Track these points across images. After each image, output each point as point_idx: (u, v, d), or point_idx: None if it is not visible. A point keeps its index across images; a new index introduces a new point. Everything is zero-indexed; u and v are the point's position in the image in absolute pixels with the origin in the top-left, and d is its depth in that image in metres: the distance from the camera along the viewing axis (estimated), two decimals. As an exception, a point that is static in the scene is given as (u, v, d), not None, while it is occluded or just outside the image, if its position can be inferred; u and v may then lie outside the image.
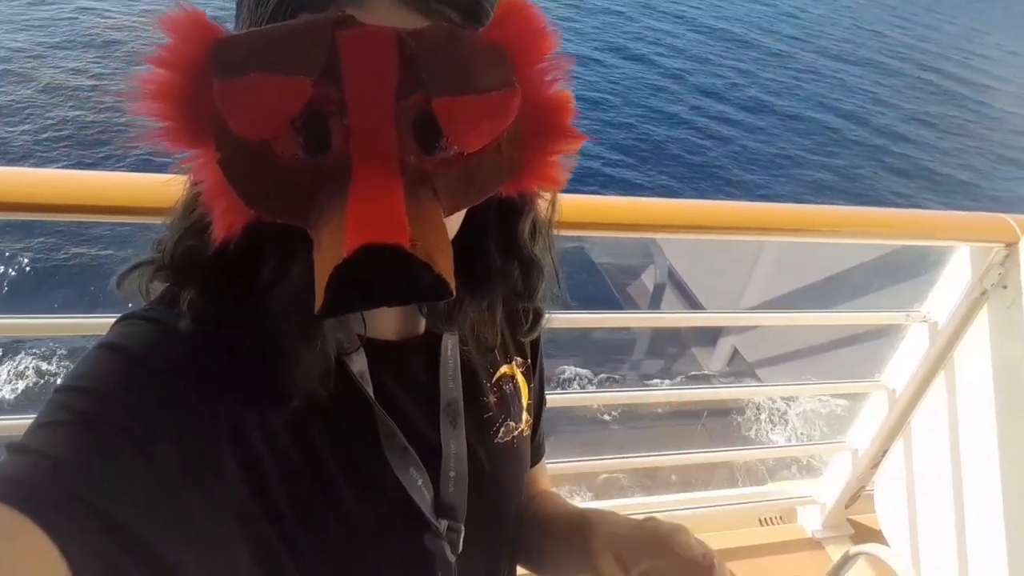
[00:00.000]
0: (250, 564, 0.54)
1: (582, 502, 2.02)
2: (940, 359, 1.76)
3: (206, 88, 0.41)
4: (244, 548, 0.53)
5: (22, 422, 1.19)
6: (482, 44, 0.44)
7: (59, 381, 0.49)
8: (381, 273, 0.38)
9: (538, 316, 0.72)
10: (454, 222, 0.53)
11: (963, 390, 1.71)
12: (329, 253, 0.39)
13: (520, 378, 0.76)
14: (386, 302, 0.41)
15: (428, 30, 0.42)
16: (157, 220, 0.98)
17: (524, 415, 0.76)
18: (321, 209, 0.43)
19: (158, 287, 0.56)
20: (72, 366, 0.50)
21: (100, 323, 1.13)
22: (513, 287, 0.63)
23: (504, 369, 0.74)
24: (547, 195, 0.63)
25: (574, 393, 1.71)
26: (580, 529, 0.66)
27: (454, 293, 0.40)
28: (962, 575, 1.68)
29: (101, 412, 0.47)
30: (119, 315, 0.56)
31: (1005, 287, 1.60)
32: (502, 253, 0.60)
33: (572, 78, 0.48)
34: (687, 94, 16.93)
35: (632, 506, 2.02)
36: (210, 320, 0.52)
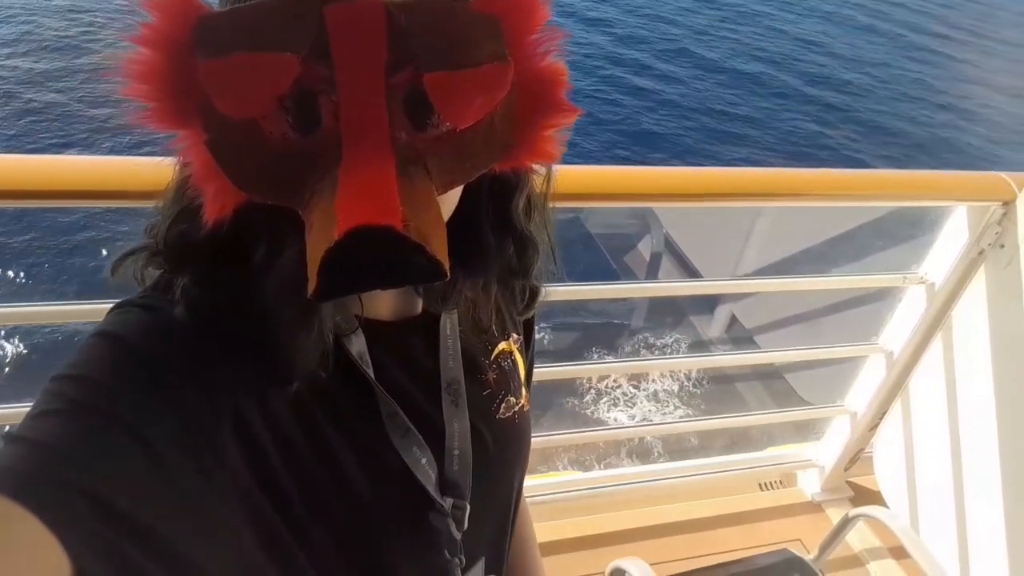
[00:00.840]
0: (256, 548, 0.54)
1: (584, 472, 2.04)
2: (938, 320, 1.76)
3: (191, 67, 0.40)
4: (250, 532, 0.53)
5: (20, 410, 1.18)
6: (474, 16, 0.42)
7: (55, 370, 0.48)
8: (373, 256, 0.37)
9: (535, 294, 0.71)
10: (450, 200, 0.52)
11: (961, 350, 1.71)
12: (320, 236, 0.38)
13: (517, 354, 0.76)
14: (379, 285, 0.40)
15: (418, 2, 0.41)
16: (135, 204, 0.98)
17: (523, 390, 0.76)
18: (312, 189, 0.42)
19: (153, 273, 0.56)
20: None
21: (96, 309, 1.13)
22: (508, 265, 0.62)
23: (502, 346, 0.73)
24: (542, 169, 0.62)
25: (572, 365, 1.72)
26: None
27: (448, 275, 0.40)
28: (960, 534, 1.70)
29: (96, 400, 0.46)
30: (114, 302, 0.55)
31: (1003, 246, 1.60)
32: (496, 231, 0.59)
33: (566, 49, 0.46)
34: (610, 46, 15.99)
35: (635, 475, 2.03)
36: (205, 306, 0.51)
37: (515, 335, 0.76)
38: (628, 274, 8.48)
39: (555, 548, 1.85)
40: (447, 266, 0.39)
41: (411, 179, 0.42)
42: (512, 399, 0.73)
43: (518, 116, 0.46)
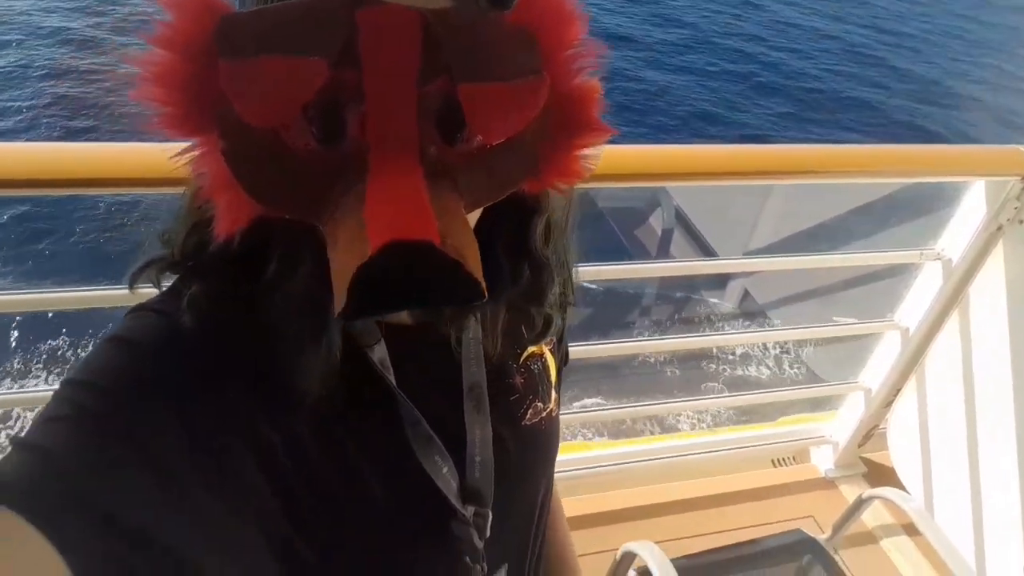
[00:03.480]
0: (270, 560, 0.53)
1: (596, 445, 2.04)
2: (954, 297, 1.74)
3: (210, 71, 0.38)
4: (264, 543, 0.52)
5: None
6: (510, 28, 0.40)
7: (67, 374, 0.48)
8: (411, 273, 0.35)
9: (549, 322, 0.68)
10: (471, 219, 0.49)
11: (977, 327, 1.70)
12: (349, 252, 0.36)
13: (549, 356, 0.74)
14: (417, 304, 0.37)
15: (454, 11, 0.38)
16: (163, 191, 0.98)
17: (553, 394, 0.73)
18: (336, 204, 0.40)
19: (171, 278, 0.55)
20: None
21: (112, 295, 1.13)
22: (523, 290, 0.60)
23: (532, 348, 0.71)
24: (564, 195, 0.59)
25: (584, 345, 1.71)
26: None
27: (486, 294, 0.37)
28: (975, 513, 1.70)
29: (106, 409, 0.45)
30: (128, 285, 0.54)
31: (1022, 221, 1.57)
32: (511, 254, 0.57)
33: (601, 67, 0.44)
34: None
35: (646, 452, 2.03)
36: (213, 318, 0.50)
37: (545, 339, 0.73)
38: (639, 249, 8.45)
39: (567, 526, 1.86)
40: (484, 285, 0.37)
41: (441, 194, 0.39)
42: (540, 404, 0.70)
43: (549, 134, 0.44)
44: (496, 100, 0.40)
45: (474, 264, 0.37)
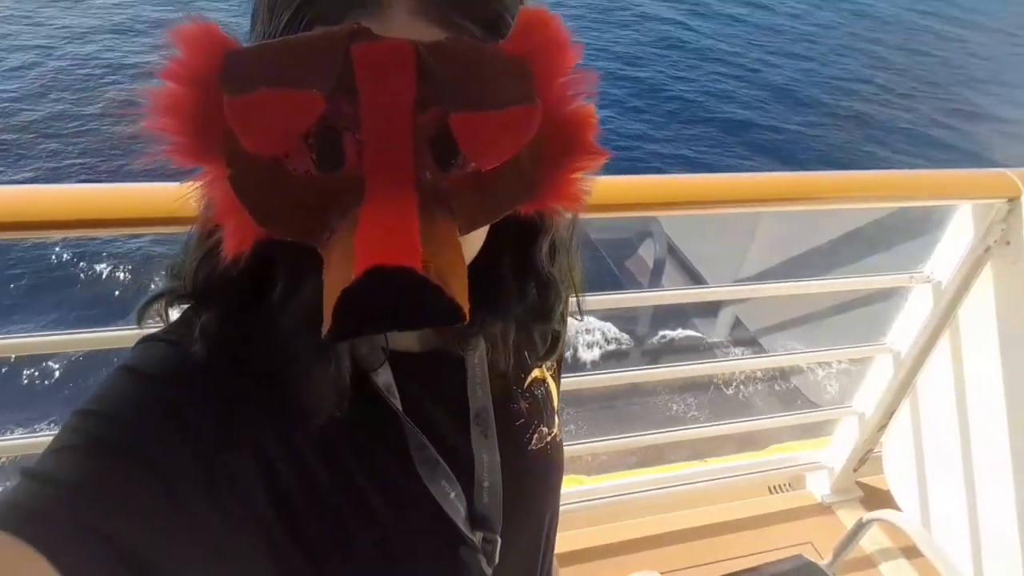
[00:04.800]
0: None
1: (590, 479, 2.03)
2: (945, 319, 1.75)
3: (217, 103, 0.40)
4: (271, 569, 0.52)
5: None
6: (502, 57, 0.42)
7: (78, 404, 0.48)
8: (391, 297, 0.36)
9: (556, 339, 0.70)
10: (473, 241, 0.51)
11: (968, 348, 1.71)
12: (338, 275, 0.37)
13: (551, 381, 0.74)
14: (396, 327, 0.39)
15: (447, 43, 0.41)
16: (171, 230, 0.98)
17: (556, 419, 0.74)
18: (332, 228, 0.41)
19: (178, 309, 0.55)
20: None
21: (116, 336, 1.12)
22: (530, 308, 0.61)
23: (536, 373, 0.72)
24: (568, 214, 0.60)
25: (576, 376, 1.71)
26: None
27: (467, 318, 0.38)
28: (972, 532, 1.69)
29: (116, 437, 0.46)
30: (133, 327, 0.55)
31: (1008, 243, 1.59)
32: (517, 273, 0.59)
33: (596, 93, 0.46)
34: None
35: (641, 484, 2.02)
36: (224, 343, 0.51)
37: (549, 361, 0.74)
38: (631, 280, 8.47)
39: (566, 560, 1.84)
40: (467, 309, 0.38)
41: (434, 219, 0.41)
42: (544, 429, 0.71)
43: (545, 158, 0.46)
44: (488, 128, 0.42)
45: (457, 288, 0.38)
